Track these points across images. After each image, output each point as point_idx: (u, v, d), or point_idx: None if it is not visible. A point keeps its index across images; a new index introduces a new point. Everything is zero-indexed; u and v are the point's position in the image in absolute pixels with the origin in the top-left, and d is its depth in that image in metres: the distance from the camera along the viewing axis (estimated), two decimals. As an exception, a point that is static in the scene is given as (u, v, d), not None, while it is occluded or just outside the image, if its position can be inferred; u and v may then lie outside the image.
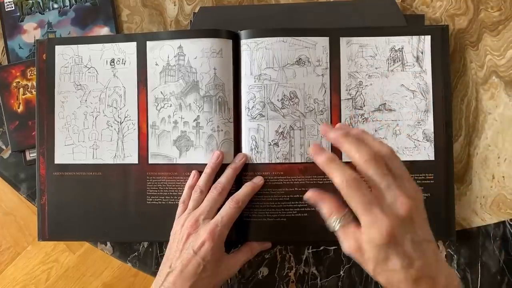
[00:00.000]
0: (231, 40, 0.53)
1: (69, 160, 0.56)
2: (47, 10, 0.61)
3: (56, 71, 0.57)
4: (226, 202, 0.50)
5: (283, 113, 0.53)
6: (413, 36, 0.54)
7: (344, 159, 0.49)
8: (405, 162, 0.52)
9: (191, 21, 0.59)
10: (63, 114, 0.56)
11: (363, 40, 0.54)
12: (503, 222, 0.55)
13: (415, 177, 0.53)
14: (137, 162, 0.55)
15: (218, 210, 0.50)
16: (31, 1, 0.61)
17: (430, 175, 0.53)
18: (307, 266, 0.56)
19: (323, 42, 0.54)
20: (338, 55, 0.54)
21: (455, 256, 0.55)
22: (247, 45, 0.53)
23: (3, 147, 0.60)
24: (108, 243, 0.58)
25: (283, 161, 0.53)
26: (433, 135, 0.53)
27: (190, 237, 0.48)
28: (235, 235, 0.52)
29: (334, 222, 0.39)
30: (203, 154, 0.53)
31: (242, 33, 0.54)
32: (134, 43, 0.56)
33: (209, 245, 0.47)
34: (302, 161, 0.53)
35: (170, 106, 0.54)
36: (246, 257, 0.52)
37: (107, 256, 0.59)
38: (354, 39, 0.54)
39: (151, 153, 0.55)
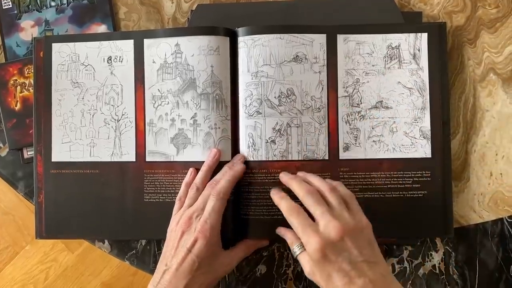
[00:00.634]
0: (228, 38, 0.53)
1: (66, 158, 0.56)
2: (45, 7, 0.61)
3: (53, 69, 0.57)
4: (210, 197, 0.49)
5: (280, 110, 0.53)
6: (410, 34, 0.54)
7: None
8: (401, 159, 0.53)
9: (188, 18, 0.59)
10: (60, 112, 0.56)
11: (360, 38, 0.54)
12: (501, 219, 0.55)
13: (411, 175, 0.53)
14: (134, 160, 0.55)
15: None
16: (28, -1, 0.61)
17: (427, 172, 0.53)
18: (305, 263, 0.56)
19: (320, 39, 0.53)
20: (335, 52, 0.54)
21: (453, 253, 0.55)
22: (244, 42, 0.53)
23: (1, 145, 0.60)
24: (106, 241, 0.58)
25: (280, 159, 0.52)
26: (430, 132, 0.53)
27: (184, 234, 0.48)
28: (233, 232, 0.52)
29: (294, 249, 0.46)
30: (200, 152, 0.53)
31: (240, 30, 0.53)
32: (131, 41, 0.56)
33: (201, 242, 0.47)
34: (299, 158, 0.53)
35: (168, 103, 0.54)
36: (243, 254, 0.52)
37: (106, 255, 0.59)
38: (351, 36, 0.54)
39: (148, 150, 0.55)
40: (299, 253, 0.45)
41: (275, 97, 0.53)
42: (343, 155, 0.53)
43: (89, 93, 0.56)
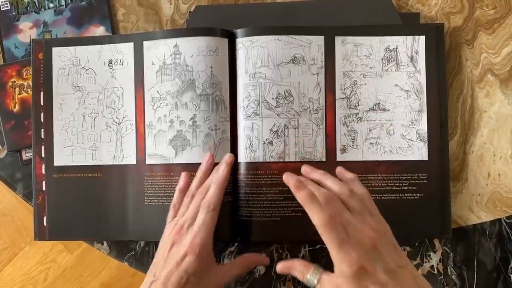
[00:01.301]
0: (227, 39, 0.54)
1: (69, 162, 0.56)
2: (43, 9, 0.61)
3: (54, 73, 0.57)
4: (200, 210, 0.47)
5: (277, 112, 0.53)
6: (407, 36, 0.54)
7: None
8: (398, 162, 0.53)
9: (187, 20, 0.59)
10: (62, 116, 0.56)
11: (358, 40, 0.54)
12: (499, 220, 0.55)
13: (408, 177, 0.53)
14: (135, 163, 0.55)
15: None
16: (26, 1, 0.61)
17: (423, 175, 0.53)
18: (303, 264, 0.56)
19: (318, 40, 0.54)
20: (333, 54, 0.54)
21: (451, 254, 0.55)
22: (242, 43, 0.53)
23: (-1, 147, 0.60)
24: (105, 243, 0.58)
25: (278, 160, 0.53)
26: (426, 135, 0.53)
27: (174, 246, 0.46)
28: (230, 234, 0.52)
29: (310, 279, 0.42)
30: (200, 153, 0.53)
31: (238, 31, 0.54)
32: (131, 44, 0.56)
33: (190, 258, 0.44)
34: (297, 160, 0.53)
35: (166, 105, 0.54)
36: (239, 271, 0.49)
37: (105, 256, 0.59)
38: (349, 38, 0.54)
39: (148, 153, 0.55)
40: (317, 281, 0.42)
41: (272, 98, 0.53)
42: (340, 157, 0.53)
43: (90, 96, 0.56)
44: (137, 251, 0.58)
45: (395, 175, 0.53)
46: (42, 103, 0.57)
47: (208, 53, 0.53)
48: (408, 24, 0.55)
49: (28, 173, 0.59)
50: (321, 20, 0.56)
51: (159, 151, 0.54)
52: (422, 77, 0.54)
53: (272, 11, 0.57)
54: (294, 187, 0.44)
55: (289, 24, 0.56)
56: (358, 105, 0.54)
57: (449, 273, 0.55)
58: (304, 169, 0.50)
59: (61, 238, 0.58)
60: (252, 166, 0.53)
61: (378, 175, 0.53)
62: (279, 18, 0.57)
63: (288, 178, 0.46)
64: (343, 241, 0.40)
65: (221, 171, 0.49)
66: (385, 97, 0.54)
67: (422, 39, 0.54)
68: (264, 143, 0.53)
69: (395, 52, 0.54)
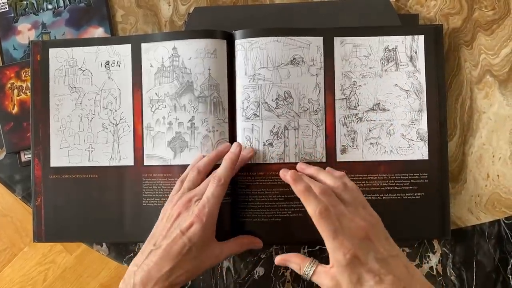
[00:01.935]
0: (225, 41, 0.53)
1: (65, 163, 0.56)
2: (41, 11, 0.60)
3: (51, 74, 0.56)
4: (210, 182, 0.48)
5: (277, 113, 0.53)
6: (406, 36, 0.54)
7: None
8: (398, 161, 0.53)
9: (185, 21, 0.59)
10: (58, 117, 0.56)
11: (357, 40, 0.54)
12: (498, 221, 0.55)
13: (409, 177, 0.53)
14: (132, 164, 0.55)
15: None
16: (25, 2, 0.60)
17: (424, 174, 0.53)
18: (303, 265, 0.56)
19: (317, 41, 0.54)
20: (332, 55, 0.54)
21: (450, 255, 0.55)
22: (241, 45, 0.53)
23: (-2, 148, 0.60)
24: (104, 244, 0.58)
25: (278, 161, 0.53)
26: (427, 134, 0.53)
27: (180, 216, 0.46)
28: (230, 235, 0.52)
29: (305, 272, 0.44)
30: (198, 155, 0.53)
31: (237, 33, 0.54)
32: (129, 45, 0.56)
33: (197, 227, 0.45)
34: (297, 161, 0.53)
35: (165, 107, 0.54)
36: (234, 250, 0.50)
37: (104, 257, 0.59)
38: (348, 38, 0.54)
39: (146, 154, 0.55)
40: (312, 272, 0.43)
41: (272, 100, 0.53)
42: (340, 157, 0.53)
43: (87, 98, 0.56)
44: (136, 252, 0.57)
45: (395, 175, 0.53)
46: (39, 104, 0.56)
47: (206, 55, 0.53)
48: (407, 25, 0.55)
49: (27, 175, 0.59)
50: (320, 22, 0.56)
51: (158, 153, 0.54)
52: (422, 76, 0.54)
53: (271, 13, 0.57)
54: (292, 179, 0.45)
55: (288, 26, 0.56)
56: (358, 106, 0.54)
57: (448, 274, 0.55)
58: (299, 166, 0.51)
59: (57, 240, 0.58)
60: (252, 167, 0.52)
61: (379, 175, 0.53)
62: (278, 20, 0.57)
63: (285, 173, 0.47)
64: (337, 230, 0.41)
65: (233, 148, 0.51)
66: (385, 97, 0.54)
67: (421, 38, 0.54)
68: (264, 145, 0.53)
69: (395, 52, 0.54)
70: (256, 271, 0.57)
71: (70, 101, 0.56)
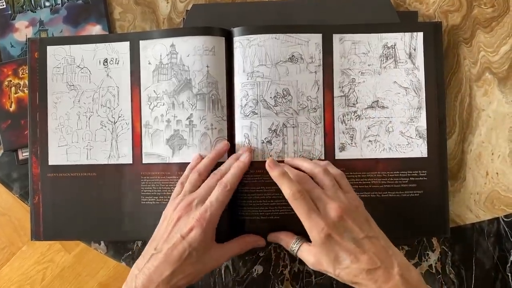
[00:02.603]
0: (224, 38, 0.53)
1: (63, 161, 0.56)
2: (39, 8, 0.60)
3: (48, 72, 0.56)
4: (215, 187, 0.48)
5: (276, 111, 0.53)
6: (405, 33, 0.53)
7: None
8: (397, 159, 0.53)
9: (183, 18, 0.59)
10: (56, 115, 0.56)
11: (356, 37, 0.54)
12: (497, 219, 0.55)
13: (408, 174, 0.53)
14: (131, 162, 0.55)
15: None
16: (22, -1, 0.60)
17: (423, 172, 0.53)
18: (302, 264, 0.56)
19: (316, 39, 0.53)
20: (331, 52, 0.54)
21: (449, 252, 0.55)
22: (239, 42, 0.53)
23: (-5, 146, 0.60)
24: (102, 243, 0.58)
25: (276, 159, 0.52)
26: (426, 132, 0.53)
27: (180, 220, 0.46)
28: (228, 234, 0.52)
29: (292, 248, 0.48)
30: (196, 153, 0.53)
31: (235, 30, 0.53)
32: (127, 43, 0.55)
33: (197, 231, 0.45)
34: (295, 158, 0.53)
35: (163, 104, 0.54)
36: (237, 251, 0.50)
37: (103, 256, 0.59)
38: (347, 36, 0.54)
39: (144, 152, 0.54)
40: (297, 249, 0.47)
41: (271, 97, 0.53)
42: (339, 155, 0.53)
43: (85, 95, 0.56)
44: (135, 251, 0.57)
45: (394, 172, 0.53)
46: (37, 102, 0.56)
47: (204, 52, 0.53)
48: (406, 22, 0.55)
49: (24, 173, 0.58)
50: (319, 19, 0.56)
51: (156, 151, 0.54)
52: (421, 74, 0.53)
53: (269, 10, 0.57)
54: (268, 166, 0.47)
55: (287, 23, 0.56)
56: (357, 103, 0.54)
57: (447, 272, 0.55)
58: (286, 159, 0.52)
59: (56, 238, 0.57)
60: (251, 165, 0.52)
61: (378, 172, 0.53)
62: (276, 17, 0.57)
63: (266, 163, 0.48)
64: (311, 210, 0.44)
65: (244, 157, 0.51)
66: (384, 94, 0.53)
67: (420, 35, 0.53)
68: (263, 142, 0.53)
69: (393, 49, 0.54)
70: (255, 270, 0.56)
71: (68, 99, 0.56)
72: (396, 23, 0.55)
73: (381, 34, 0.54)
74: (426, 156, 0.53)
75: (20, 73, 0.59)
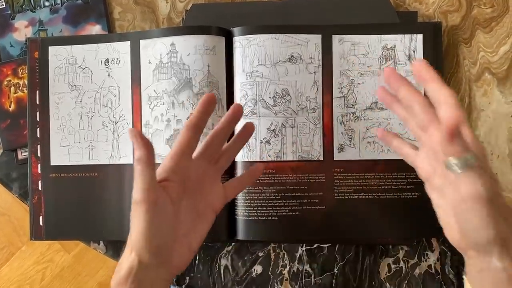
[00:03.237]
0: (224, 37, 0.53)
1: (65, 162, 0.56)
2: (39, 8, 0.60)
3: (50, 72, 0.56)
4: None
5: (275, 111, 0.53)
6: (405, 35, 0.53)
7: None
8: (395, 160, 0.53)
9: (183, 18, 0.59)
10: (58, 115, 0.56)
11: (355, 38, 0.54)
12: (496, 219, 0.55)
13: (406, 176, 0.53)
14: (131, 162, 0.55)
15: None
16: (22, -1, 0.60)
17: None
18: (301, 264, 0.56)
19: (315, 39, 0.53)
20: (330, 52, 0.54)
21: (448, 253, 0.55)
22: (239, 42, 0.53)
23: (-5, 146, 0.60)
24: (101, 242, 0.58)
25: (275, 159, 0.52)
26: None
27: None
28: (227, 233, 0.52)
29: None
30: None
31: (235, 30, 0.53)
32: (128, 42, 0.55)
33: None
34: (294, 159, 0.53)
35: (163, 104, 0.54)
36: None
37: (102, 256, 0.58)
38: (347, 37, 0.54)
39: (144, 152, 0.54)
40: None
41: (270, 97, 0.53)
42: (337, 156, 0.53)
43: (86, 96, 0.56)
44: (134, 250, 0.57)
45: (392, 174, 0.53)
46: (38, 103, 0.56)
47: (205, 51, 0.53)
48: (405, 22, 0.55)
49: (23, 173, 0.58)
50: (318, 19, 0.56)
51: (156, 151, 0.54)
52: None
53: (269, 10, 0.57)
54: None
55: (287, 23, 0.56)
56: (356, 104, 0.54)
57: (447, 272, 0.55)
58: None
59: (57, 238, 0.57)
60: (250, 165, 0.52)
61: (376, 174, 0.53)
62: (276, 17, 0.57)
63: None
64: (431, 112, 0.39)
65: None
66: None
67: (419, 37, 0.53)
68: (262, 142, 0.53)
69: (393, 51, 0.54)
70: (254, 269, 0.56)
71: (70, 99, 0.56)
72: (396, 23, 0.55)
73: (381, 35, 0.54)
74: (425, 156, 0.53)
75: (20, 72, 0.59)
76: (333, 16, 0.56)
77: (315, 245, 0.56)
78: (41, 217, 0.56)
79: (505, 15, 0.56)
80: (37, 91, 0.56)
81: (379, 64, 0.54)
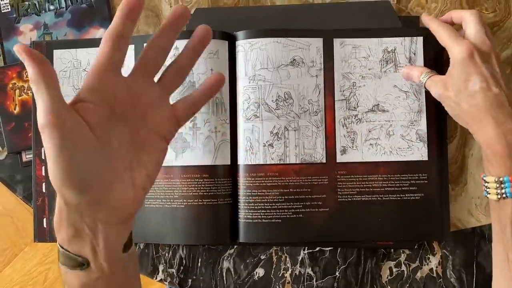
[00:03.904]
0: (227, 41, 0.54)
1: None
2: (43, 11, 0.61)
3: None
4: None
5: (277, 114, 0.53)
6: (405, 37, 0.54)
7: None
8: (398, 162, 0.53)
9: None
10: (62, 117, 0.56)
11: (356, 42, 0.54)
12: (498, 223, 0.55)
13: (409, 177, 0.53)
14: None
15: None
16: (27, 3, 0.61)
17: (423, 175, 0.53)
18: (303, 267, 0.56)
19: (317, 43, 0.54)
20: (331, 56, 0.54)
21: (450, 256, 0.55)
22: (242, 46, 0.53)
23: (-1, 148, 0.60)
24: (104, 244, 0.58)
25: (278, 162, 0.53)
26: (426, 135, 0.53)
27: None
28: (230, 236, 0.52)
29: (422, 78, 0.49)
30: (200, 156, 0.53)
31: (238, 34, 0.54)
32: (132, 46, 0.56)
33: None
34: (297, 162, 0.53)
35: (166, 107, 0.54)
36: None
37: (104, 258, 0.59)
38: (348, 40, 0.54)
39: (147, 154, 0.55)
40: (427, 79, 0.49)
41: (272, 100, 0.53)
42: (340, 158, 0.53)
43: (90, 98, 0.56)
44: (137, 253, 0.58)
45: (395, 175, 0.53)
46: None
47: (208, 55, 0.53)
48: (407, 27, 0.55)
49: (28, 175, 0.59)
50: (320, 24, 0.56)
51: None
52: None
53: (271, 14, 0.57)
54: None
55: (288, 27, 0.56)
56: (357, 107, 0.54)
57: (448, 276, 0.55)
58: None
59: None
60: (253, 168, 0.53)
61: (379, 175, 0.53)
62: (278, 21, 0.57)
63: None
64: (456, 35, 0.46)
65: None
66: (384, 98, 0.54)
67: (420, 40, 0.54)
68: (265, 146, 0.53)
69: (393, 53, 0.54)
70: (256, 272, 0.57)
71: (73, 102, 0.56)
72: (397, 27, 0.55)
73: (381, 38, 0.54)
74: (427, 159, 0.53)
75: (25, 75, 0.60)
76: (335, 21, 0.56)
77: (317, 248, 0.56)
78: (44, 219, 0.56)
79: (508, 19, 0.57)
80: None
81: (380, 67, 0.54)
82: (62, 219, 0.33)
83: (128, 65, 0.55)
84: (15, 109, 0.59)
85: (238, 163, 0.53)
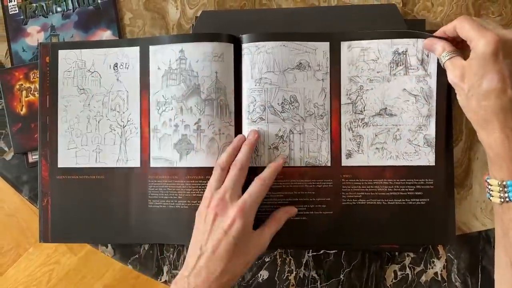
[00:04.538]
0: (232, 44, 0.54)
1: (72, 164, 0.56)
2: (51, 13, 0.61)
3: (59, 76, 0.57)
4: (253, 181, 0.49)
5: (283, 117, 0.53)
6: (418, 39, 0.52)
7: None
8: (404, 167, 0.53)
9: (193, 25, 0.59)
10: (66, 118, 0.57)
11: (365, 44, 0.53)
12: (504, 227, 0.55)
13: (414, 182, 0.53)
14: (139, 166, 0.55)
15: (243, 189, 0.49)
16: (34, 5, 0.61)
17: (429, 180, 0.53)
18: (307, 269, 0.56)
19: (323, 47, 0.54)
20: (338, 60, 0.54)
21: (455, 260, 0.55)
22: (248, 49, 0.53)
23: (6, 149, 0.61)
24: (109, 246, 0.58)
25: (283, 165, 0.53)
26: (434, 140, 0.53)
27: (217, 217, 0.47)
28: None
29: (443, 56, 0.47)
30: (204, 158, 0.53)
31: (244, 37, 0.54)
32: (137, 48, 0.56)
33: (239, 223, 0.46)
34: (302, 165, 0.53)
35: (171, 109, 0.54)
36: (274, 229, 0.50)
37: (109, 258, 0.59)
38: (355, 42, 0.54)
39: (152, 156, 0.55)
40: (448, 59, 0.46)
41: (278, 104, 0.53)
42: (345, 162, 0.53)
43: (95, 99, 0.57)
44: (141, 254, 0.58)
45: (401, 180, 0.53)
46: (48, 105, 0.57)
47: (214, 58, 0.53)
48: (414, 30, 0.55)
49: (34, 176, 0.59)
50: (327, 27, 0.56)
51: (164, 155, 0.54)
52: (433, 81, 0.52)
53: (278, 17, 0.58)
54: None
55: (295, 30, 0.56)
56: (364, 110, 0.54)
57: (453, 280, 0.55)
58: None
59: (64, 241, 0.58)
60: (258, 170, 0.53)
61: (384, 180, 0.53)
62: (284, 24, 0.57)
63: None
64: (481, 25, 0.43)
65: (251, 136, 0.52)
66: (393, 102, 0.53)
67: None
68: (270, 148, 0.53)
69: (404, 55, 0.53)
70: (260, 275, 0.57)
71: (78, 102, 0.57)
72: (405, 31, 0.55)
73: (392, 39, 0.53)
74: (434, 164, 0.53)
75: (31, 77, 0.60)
76: (341, 25, 0.56)
77: (322, 251, 0.56)
78: (49, 220, 0.56)
79: (513, 23, 0.57)
80: (48, 96, 0.57)
81: (390, 70, 0.53)
82: None
83: (133, 66, 0.56)
84: (21, 110, 0.59)
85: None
